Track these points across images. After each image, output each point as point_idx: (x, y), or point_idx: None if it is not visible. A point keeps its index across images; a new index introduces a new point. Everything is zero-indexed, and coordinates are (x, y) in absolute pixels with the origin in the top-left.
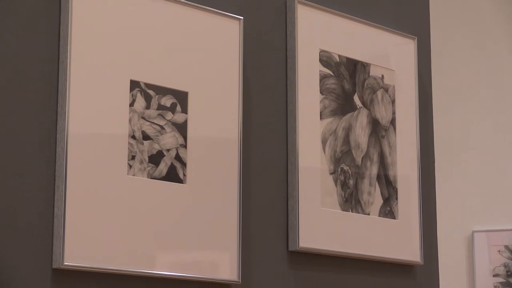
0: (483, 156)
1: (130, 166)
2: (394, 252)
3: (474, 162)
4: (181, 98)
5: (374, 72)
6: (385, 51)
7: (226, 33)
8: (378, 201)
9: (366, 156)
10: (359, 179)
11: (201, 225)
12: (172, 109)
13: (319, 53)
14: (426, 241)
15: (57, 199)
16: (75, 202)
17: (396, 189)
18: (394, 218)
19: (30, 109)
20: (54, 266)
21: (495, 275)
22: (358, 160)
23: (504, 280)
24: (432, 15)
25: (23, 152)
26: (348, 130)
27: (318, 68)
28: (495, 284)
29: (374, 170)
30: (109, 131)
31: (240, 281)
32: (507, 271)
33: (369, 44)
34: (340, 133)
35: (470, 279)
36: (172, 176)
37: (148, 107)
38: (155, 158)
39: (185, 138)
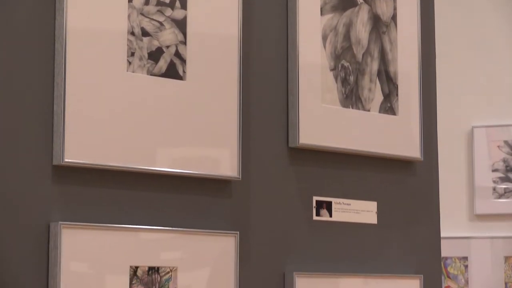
0: (484, 52)
1: (130, 63)
2: (394, 148)
3: (475, 58)
4: None
5: None
6: None
7: None
8: (379, 97)
9: (367, 52)
10: (359, 75)
11: (201, 122)
12: (171, 5)
13: None
14: (426, 137)
15: (56, 96)
16: (75, 99)
17: (397, 85)
18: (394, 114)
19: (28, 4)
20: (55, 162)
21: (494, 170)
22: (359, 56)
23: (503, 175)
24: None
25: (22, 50)
26: (349, 26)
27: None
28: (494, 179)
29: (374, 66)
30: (108, 27)
31: (240, 177)
32: (506, 166)
33: None
34: (341, 29)
35: (469, 174)
36: (172, 72)
37: (147, 3)
38: (155, 55)
39: (184, 34)
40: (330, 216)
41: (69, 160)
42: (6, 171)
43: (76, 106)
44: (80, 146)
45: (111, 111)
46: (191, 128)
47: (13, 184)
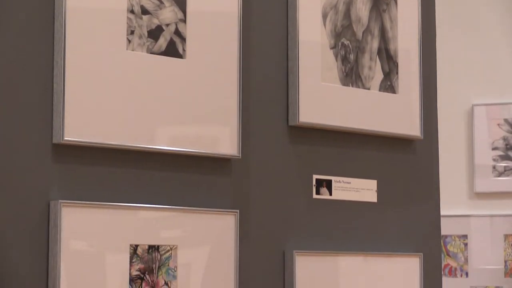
0: (484, 30)
1: (129, 41)
2: (394, 126)
3: (475, 35)
4: None
5: None
6: None
7: None
8: (379, 75)
9: (367, 30)
10: (359, 53)
11: (201, 100)
12: None
13: None
14: (426, 115)
15: (56, 75)
16: (74, 77)
17: (397, 63)
18: (394, 92)
19: None
20: (55, 141)
21: (494, 149)
22: (359, 35)
23: (503, 153)
24: None
25: (22, 28)
26: (349, 4)
27: None
28: (494, 157)
29: (374, 44)
30: (108, 5)
31: (240, 155)
32: (506, 145)
33: None
34: (341, 7)
35: (469, 152)
36: (172, 51)
37: None
38: (154, 33)
39: (184, 12)
40: (330, 194)
41: (69, 139)
42: (6, 150)
43: (76, 85)
44: (80, 124)
45: (110, 89)
46: (191, 106)
47: (13, 162)
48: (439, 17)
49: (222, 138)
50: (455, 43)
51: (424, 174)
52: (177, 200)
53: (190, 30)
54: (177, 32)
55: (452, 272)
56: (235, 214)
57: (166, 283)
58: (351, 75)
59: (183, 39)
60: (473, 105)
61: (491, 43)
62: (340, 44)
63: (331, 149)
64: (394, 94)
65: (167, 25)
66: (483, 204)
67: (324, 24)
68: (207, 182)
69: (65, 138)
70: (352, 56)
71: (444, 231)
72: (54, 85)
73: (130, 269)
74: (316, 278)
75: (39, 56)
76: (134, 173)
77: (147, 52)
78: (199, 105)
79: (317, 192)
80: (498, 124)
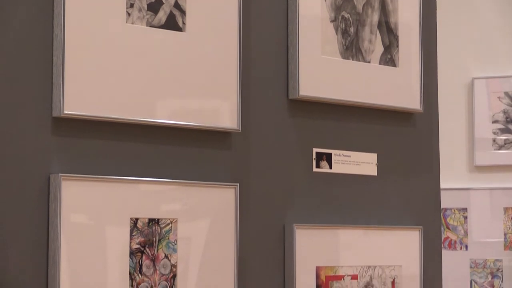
0: (485, 3)
1: (129, 14)
2: (394, 100)
3: (476, 9)
4: None
5: None
6: None
7: None
8: (379, 49)
9: (367, 3)
10: (359, 26)
11: (200, 74)
12: None
13: None
14: (426, 88)
15: (55, 48)
16: (74, 51)
17: (397, 36)
18: (394, 65)
19: None
20: (54, 114)
21: (494, 122)
22: (359, 7)
23: (503, 126)
24: None
25: (21, 2)
26: None
27: None
28: (494, 130)
29: (375, 17)
30: None
31: (240, 129)
32: (506, 118)
33: None
34: None
35: (469, 126)
36: (171, 24)
37: None
38: (154, 6)
39: None
40: (330, 168)
41: (69, 112)
42: (6, 123)
43: (75, 58)
44: (80, 98)
45: (110, 62)
46: (191, 80)
47: (13, 136)
48: None
49: (222, 112)
50: (455, 16)
51: (424, 147)
52: (177, 174)
53: (189, 3)
54: (176, 5)
55: (451, 245)
56: (235, 188)
57: (166, 256)
58: (351, 48)
59: (182, 12)
60: (473, 79)
61: (492, 16)
62: (340, 17)
63: (331, 122)
64: (394, 68)
65: None
66: (483, 177)
67: None
68: (207, 155)
69: (65, 112)
70: (352, 29)
71: (444, 204)
72: (54, 58)
73: (130, 243)
74: (316, 251)
75: (39, 29)
76: (134, 147)
77: (147, 25)
78: (199, 79)
79: (317, 166)
80: (498, 97)
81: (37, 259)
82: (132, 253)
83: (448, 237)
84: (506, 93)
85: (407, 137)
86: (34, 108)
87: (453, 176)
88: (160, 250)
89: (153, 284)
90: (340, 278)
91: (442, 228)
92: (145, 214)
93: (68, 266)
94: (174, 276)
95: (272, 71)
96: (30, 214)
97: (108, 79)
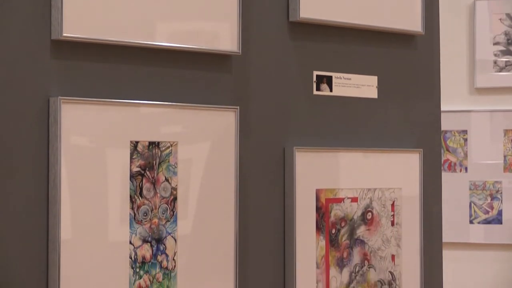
0: None
1: None
2: (395, 22)
3: None
4: None
5: None
6: None
7: None
8: None
9: None
10: None
11: None
12: None
13: None
14: (427, 10)
15: None
16: None
17: None
18: None
19: None
20: (53, 37)
21: (496, 43)
22: None
23: (504, 48)
24: None
25: None
26: None
27: None
28: (495, 52)
29: None
30: None
31: (240, 52)
32: (508, 39)
33: None
34: None
35: (470, 48)
36: None
37: None
38: None
39: None
40: (331, 90)
41: (68, 35)
42: (5, 47)
43: None
44: (79, 20)
45: None
46: (191, 1)
47: (12, 59)
48: None
49: (222, 34)
50: None
51: (425, 69)
52: (177, 97)
53: None
54: None
55: (451, 167)
56: (235, 111)
57: (166, 179)
58: None
59: None
60: (475, 0)
61: None
62: None
63: (331, 45)
64: None
65: None
66: (483, 99)
67: None
68: (207, 78)
69: (64, 34)
70: None
71: (444, 126)
72: None
73: (130, 166)
74: (316, 174)
75: None
76: (134, 70)
77: None
78: (199, 0)
79: (318, 88)
80: (500, 19)
81: (37, 182)
82: (132, 176)
83: (448, 159)
84: (508, 15)
85: (408, 60)
86: (33, 31)
87: (453, 98)
88: (160, 173)
89: (153, 207)
90: (340, 200)
91: (442, 150)
92: (145, 137)
93: (69, 189)
94: (175, 198)
95: None
96: (30, 137)
97: (107, 2)
